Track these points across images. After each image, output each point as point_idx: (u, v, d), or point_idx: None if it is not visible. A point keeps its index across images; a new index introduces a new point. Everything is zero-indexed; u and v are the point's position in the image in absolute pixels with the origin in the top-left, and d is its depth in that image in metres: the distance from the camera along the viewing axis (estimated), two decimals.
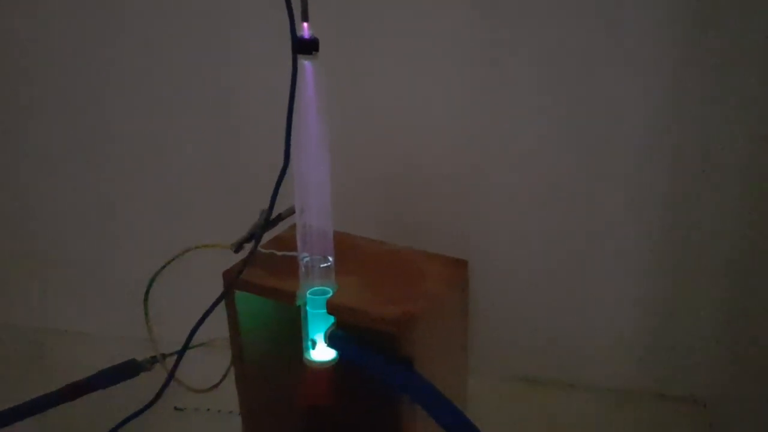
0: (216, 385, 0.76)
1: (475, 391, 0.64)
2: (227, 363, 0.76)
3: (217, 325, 0.68)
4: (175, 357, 0.69)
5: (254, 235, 0.58)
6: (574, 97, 0.69)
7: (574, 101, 0.69)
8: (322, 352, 0.54)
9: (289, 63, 0.48)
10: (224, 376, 0.75)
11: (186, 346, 0.58)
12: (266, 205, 0.59)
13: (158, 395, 0.63)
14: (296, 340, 0.64)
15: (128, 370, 0.76)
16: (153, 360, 0.77)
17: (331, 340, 0.53)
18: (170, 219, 0.83)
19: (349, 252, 0.57)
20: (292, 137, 0.48)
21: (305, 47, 0.48)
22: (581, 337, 0.77)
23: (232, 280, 0.54)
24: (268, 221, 0.54)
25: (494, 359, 0.75)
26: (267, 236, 0.61)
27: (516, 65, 0.69)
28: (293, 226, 0.63)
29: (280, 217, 0.59)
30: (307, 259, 0.53)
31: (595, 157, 0.71)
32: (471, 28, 0.69)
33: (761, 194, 0.67)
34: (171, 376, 0.61)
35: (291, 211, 0.59)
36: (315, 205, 0.52)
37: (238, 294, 0.56)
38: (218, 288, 0.58)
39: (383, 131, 0.73)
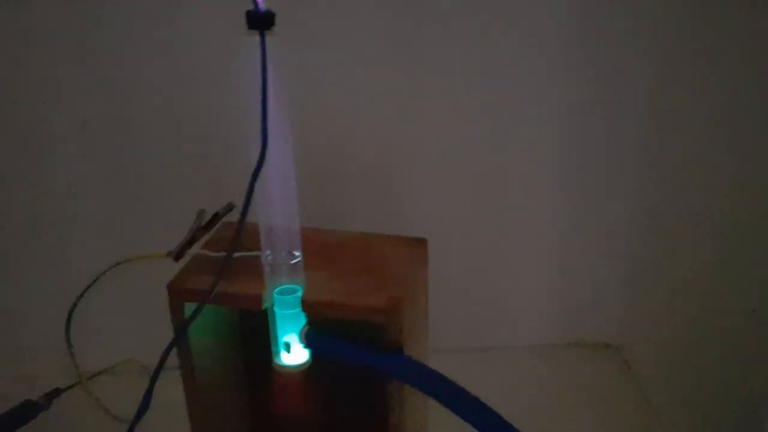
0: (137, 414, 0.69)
1: None
2: (142, 388, 0.69)
3: (125, 345, 0.61)
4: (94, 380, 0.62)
5: (194, 239, 0.52)
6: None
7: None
8: (294, 356, 0.50)
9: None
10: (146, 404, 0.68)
11: (158, 371, 0.50)
12: (192, 209, 0.54)
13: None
14: (241, 347, 0.59)
15: (25, 412, 0.67)
16: (50, 397, 0.68)
17: (310, 340, 0.49)
18: (96, 234, 0.74)
19: (308, 244, 0.53)
20: (264, 125, 0.43)
21: (260, 21, 0.43)
22: (499, 303, 0.79)
23: (210, 293, 0.48)
24: (230, 208, 0.49)
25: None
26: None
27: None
28: (224, 225, 0.58)
29: (218, 216, 0.54)
30: (271, 257, 0.49)
31: (512, 130, 0.72)
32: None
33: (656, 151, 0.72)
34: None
35: (229, 208, 0.54)
36: (280, 199, 0.47)
37: (189, 306, 0.50)
38: (155, 303, 0.52)
39: (322, 117, 0.69)
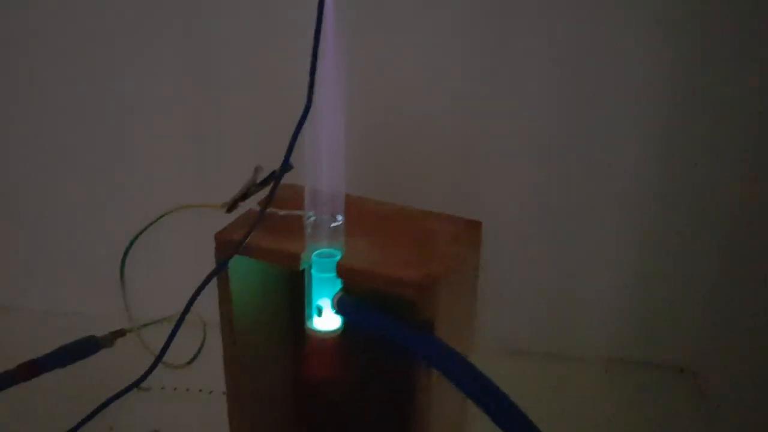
0: (192, 360, 0.70)
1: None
2: (198, 339, 0.70)
3: (185, 297, 0.63)
4: (142, 330, 0.63)
5: (247, 193, 0.53)
6: (582, 51, 0.66)
7: (582, 55, 0.66)
8: (326, 321, 0.50)
9: None
10: (197, 353, 0.70)
11: (182, 319, 0.52)
12: (251, 163, 0.54)
13: (144, 376, 0.57)
14: (293, 309, 0.59)
15: (86, 347, 0.69)
16: (114, 335, 0.71)
17: (340, 307, 0.48)
18: (151, 183, 0.76)
19: (354, 213, 0.53)
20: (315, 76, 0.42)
21: None
22: (569, 306, 0.75)
23: (232, 243, 0.49)
24: (286, 168, 0.48)
25: (492, 332, 0.72)
26: (256, 197, 0.55)
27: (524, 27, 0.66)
28: (284, 186, 0.58)
29: (275, 175, 0.54)
30: (313, 217, 0.48)
31: (592, 119, 0.68)
32: None
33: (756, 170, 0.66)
34: (160, 358, 0.54)
35: (288, 168, 0.54)
36: (326, 161, 0.47)
37: (234, 258, 0.50)
38: (205, 255, 0.52)
39: (390, 91, 0.69)
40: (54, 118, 0.76)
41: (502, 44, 0.67)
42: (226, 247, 0.50)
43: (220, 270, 0.49)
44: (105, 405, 0.59)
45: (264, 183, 0.53)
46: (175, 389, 0.71)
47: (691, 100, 0.66)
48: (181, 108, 0.72)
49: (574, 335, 0.75)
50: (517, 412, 0.42)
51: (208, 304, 0.54)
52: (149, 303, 0.59)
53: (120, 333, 0.70)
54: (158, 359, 0.53)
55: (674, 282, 0.73)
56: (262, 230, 0.51)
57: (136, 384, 0.56)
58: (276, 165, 0.54)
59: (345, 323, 0.50)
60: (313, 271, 0.49)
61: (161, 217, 0.53)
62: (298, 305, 0.53)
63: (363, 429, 0.62)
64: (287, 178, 0.56)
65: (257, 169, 0.53)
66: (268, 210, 0.52)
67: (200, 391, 0.71)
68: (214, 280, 0.52)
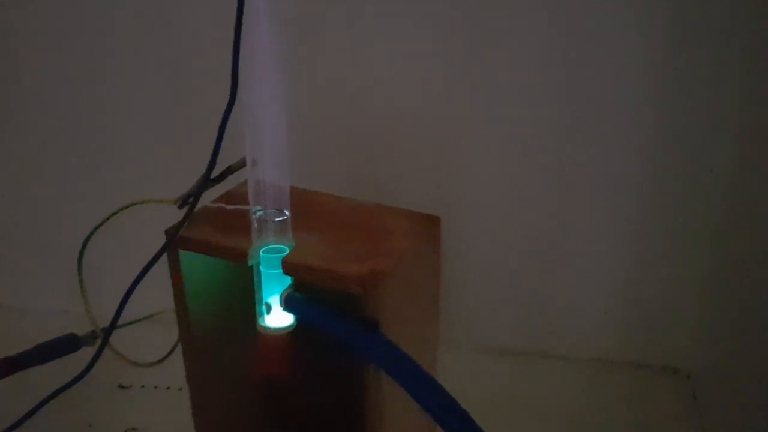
0: (162, 359, 0.70)
1: (446, 362, 0.59)
2: (176, 337, 0.70)
3: (165, 296, 0.62)
4: (118, 330, 0.63)
5: (201, 189, 0.52)
6: (558, 50, 0.64)
7: (558, 54, 0.64)
8: (277, 318, 0.49)
9: None
10: (173, 349, 0.70)
11: (120, 310, 0.52)
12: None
13: (90, 365, 0.57)
14: (248, 305, 0.58)
15: (67, 344, 0.70)
16: (95, 334, 0.71)
17: (288, 304, 0.47)
18: (106, 176, 0.76)
19: (307, 208, 0.52)
20: (240, 69, 0.41)
21: None
22: (558, 304, 0.73)
23: (173, 237, 0.48)
24: (211, 170, 0.48)
25: (465, 328, 0.70)
26: (216, 192, 0.55)
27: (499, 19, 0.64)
28: (243, 183, 0.57)
29: (230, 170, 0.53)
30: (260, 213, 0.47)
31: (579, 115, 0.66)
32: None
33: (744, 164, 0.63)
34: (103, 344, 0.54)
35: (242, 163, 0.53)
36: (269, 153, 0.46)
37: (183, 254, 0.50)
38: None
39: (352, 80, 0.68)
40: (12, 112, 0.76)
41: (476, 34, 0.65)
42: (167, 242, 0.49)
43: (153, 263, 0.49)
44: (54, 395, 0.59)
45: (218, 179, 0.52)
46: (155, 387, 0.71)
47: (677, 93, 0.64)
48: (146, 105, 0.72)
49: (562, 334, 0.73)
50: (459, 410, 0.41)
51: None
52: (114, 297, 0.59)
53: (101, 332, 0.71)
54: (101, 348, 0.52)
55: (667, 281, 0.70)
56: (213, 226, 0.50)
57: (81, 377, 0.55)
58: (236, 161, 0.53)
59: (298, 320, 0.49)
60: (261, 267, 0.48)
61: (115, 213, 0.52)
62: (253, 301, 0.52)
63: (322, 427, 0.61)
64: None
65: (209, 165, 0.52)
66: (217, 205, 0.51)
67: (180, 389, 0.70)
68: (169, 278, 0.52)
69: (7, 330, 0.77)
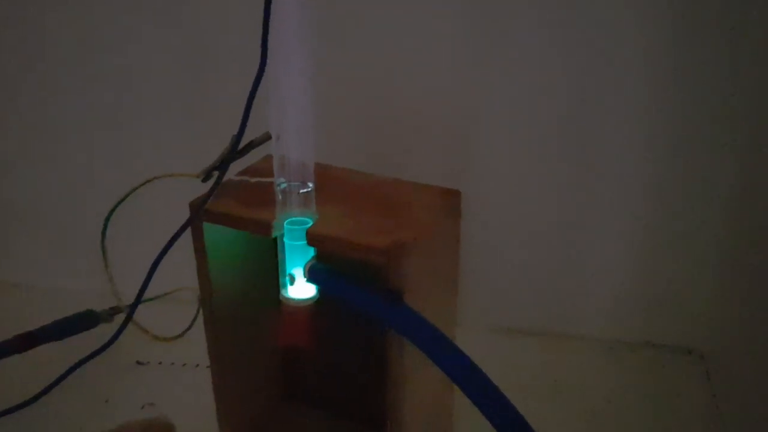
0: (182, 334, 0.71)
1: (462, 343, 0.59)
2: (193, 315, 0.71)
3: (182, 275, 0.63)
4: (140, 307, 0.64)
5: (224, 162, 0.52)
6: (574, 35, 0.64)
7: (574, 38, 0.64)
8: (300, 289, 0.49)
9: None
10: (191, 324, 0.70)
11: (146, 283, 0.52)
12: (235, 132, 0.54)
13: (115, 337, 0.57)
14: (270, 277, 0.59)
15: (85, 320, 0.70)
16: (113, 311, 0.71)
17: (312, 275, 0.48)
18: (128, 151, 0.76)
19: (330, 182, 0.52)
20: (270, 39, 0.42)
21: None
22: (573, 285, 0.73)
23: (199, 210, 0.49)
24: (238, 142, 0.48)
25: (481, 308, 0.70)
26: (239, 165, 0.55)
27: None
28: (267, 157, 0.57)
29: (253, 144, 0.53)
30: (284, 185, 0.48)
31: (598, 92, 0.66)
32: None
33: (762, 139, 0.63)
34: (128, 318, 0.54)
35: (266, 137, 0.54)
36: (294, 127, 0.46)
37: (207, 227, 0.50)
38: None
39: (374, 59, 0.68)
40: (33, 89, 0.76)
41: (497, 17, 0.65)
42: (192, 215, 0.50)
43: (177, 237, 0.49)
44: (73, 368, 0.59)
45: (241, 152, 0.53)
46: (172, 364, 0.72)
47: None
48: (166, 78, 0.72)
49: (576, 314, 0.73)
50: (485, 380, 0.41)
51: None
52: (134, 273, 0.59)
53: (118, 309, 0.71)
54: (126, 322, 0.53)
55: (681, 261, 0.70)
56: (237, 199, 0.50)
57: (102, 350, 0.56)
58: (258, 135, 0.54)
59: (320, 292, 0.49)
60: (285, 239, 0.48)
61: (135, 189, 0.52)
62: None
63: (344, 399, 0.62)
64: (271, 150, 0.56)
65: (233, 139, 0.53)
66: (240, 178, 0.52)
67: (197, 366, 0.71)
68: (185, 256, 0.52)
69: (26, 308, 0.77)
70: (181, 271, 0.58)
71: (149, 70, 0.72)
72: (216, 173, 0.53)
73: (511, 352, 0.72)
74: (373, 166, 0.55)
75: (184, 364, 0.71)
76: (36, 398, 0.65)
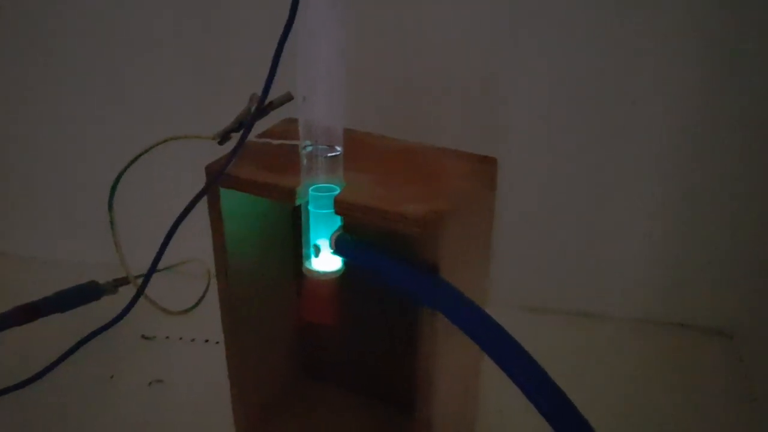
0: (193, 307, 0.68)
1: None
2: (202, 288, 0.67)
3: (191, 246, 0.59)
4: (140, 279, 0.60)
5: (243, 123, 0.49)
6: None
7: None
8: (325, 261, 0.46)
9: None
10: (201, 298, 0.67)
11: (160, 253, 0.49)
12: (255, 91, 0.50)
13: (123, 313, 0.54)
14: (291, 248, 0.56)
15: (87, 292, 0.67)
16: (117, 283, 0.68)
17: (339, 246, 0.44)
18: (138, 112, 0.72)
19: (358, 147, 0.49)
20: None
21: None
22: (603, 263, 0.70)
23: (217, 174, 0.45)
24: (264, 101, 0.45)
25: (510, 286, 0.67)
26: (255, 129, 0.51)
27: None
28: (286, 120, 0.54)
29: (273, 105, 0.50)
30: (310, 148, 0.44)
31: (630, 67, 0.63)
32: None
33: None
34: (142, 290, 0.51)
35: (287, 98, 0.50)
36: (323, 89, 0.42)
37: (224, 192, 0.47)
38: (195, 190, 0.49)
39: (404, 21, 0.64)
40: (44, 54, 0.72)
41: None
42: (211, 180, 0.46)
43: (197, 201, 0.46)
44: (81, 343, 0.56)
45: (261, 113, 0.49)
46: (180, 338, 0.68)
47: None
48: (177, 36, 0.68)
49: (605, 294, 0.70)
50: (532, 363, 0.38)
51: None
52: (144, 243, 0.56)
53: (123, 280, 0.68)
54: (138, 294, 0.49)
55: (712, 241, 0.67)
56: (257, 163, 0.47)
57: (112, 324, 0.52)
58: (278, 95, 0.50)
59: (346, 264, 0.46)
60: (309, 206, 0.45)
61: (147, 150, 0.49)
62: (299, 245, 0.50)
63: (373, 380, 0.59)
64: (291, 112, 0.53)
65: (253, 98, 0.49)
66: (262, 141, 0.48)
67: (206, 341, 0.68)
68: (208, 220, 0.49)
69: (31, 281, 0.74)
70: (189, 242, 0.54)
71: (159, 25, 0.68)
72: (232, 135, 0.49)
73: (539, 330, 0.69)
74: (401, 131, 0.51)
75: (193, 340, 0.68)
76: (40, 375, 0.62)
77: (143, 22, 0.68)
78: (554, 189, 0.68)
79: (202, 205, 0.48)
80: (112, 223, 0.55)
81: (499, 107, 0.65)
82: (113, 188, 0.52)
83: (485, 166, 0.48)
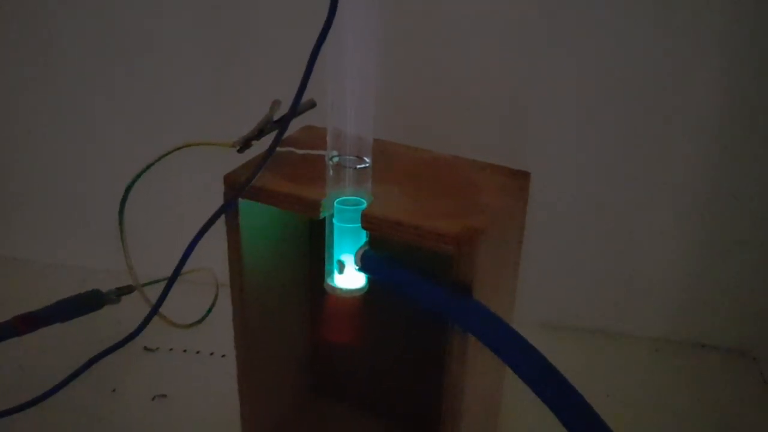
0: (202, 319, 0.65)
1: None
2: (209, 298, 0.65)
3: (201, 252, 0.57)
4: (152, 288, 0.58)
5: (263, 131, 0.46)
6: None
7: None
8: (348, 278, 0.43)
9: None
10: (209, 310, 0.64)
11: (178, 270, 0.46)
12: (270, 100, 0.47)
13: (138, 331, 0.51)
14: (311, 262, 0.53)
15: (90, 302, 0.64)
16: (120, 292, 0.65)
17: (365, 263, 0.42)
18: (154, 118, 0.69)
19: (386, 158, 0.46)
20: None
21: None
22: (624, 282, 0.68)
23: (242, 186, 0.43)
24: (295, 107, 0.42)
25: (533, 303, 0.65)
26: (272, 136, 0.49)
27: None
28: (306, 128, 0.52)
29: (296, 112, 0.47)
30: (337, 158, 0.42)
31: (659, 91, 0.61)
32: None
33: None
34: (158, 305, 0.48)
35: (310, 105, 0.48)
36: (352, 98, 0.40)
37: (243, 204, 0.44)
38: (214, 199, 0.46)
39: (438, 32, 0.61)
40: (59, 55, 0.69)
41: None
42: (237, 189, 0.44)
43: (222, 213, 0.43)
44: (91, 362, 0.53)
45: (282, 120, 0.46)
46: (184, 351, 0.66)
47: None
48: (195, 39, 0.66)
49: (627, 313, 0.69)
50: (568, 389, 0.36)
51: (224, 262, 0.48)
52: (153, 252, 0.53)
53: (127, 289, 0.65)
54: (153, 312, 0.47)
55: (737, 262, 0.66)
56: (279, 173, 0.44)
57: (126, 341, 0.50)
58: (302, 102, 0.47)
59: (370, 281, 0.43)
60: (334, 220, 0.42)
61: (164, 156, 0.46)
62: (318, 260, 0.47)
63: (387, 400, 0.56)
64: (312, 120, 0.50)
65: (274, 104, 0.47)
66: (285, 150, 0.46)
67: (212, 354, 0.65)
68: (224, 230, 0.46)
69: (38, 286, 0.71)
70: (198, 249, 0.52)
71: (178, 27, 0.65)
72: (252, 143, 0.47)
73: (560, 348, 0.67)
74: (431, 142, 0.49)
75: (198, 352, 0.66)
76: (45, 396, 0.58)
77: (161, 24, 0.66)
78: (577, 208, 0.66)
79: (206, 204, 0.46)
80: (121, 229, 0.52)
81: (529, 120, 0.63)
82: (125, 194, 0.50)
83: (518, 181, 0.46)
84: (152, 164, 0.47)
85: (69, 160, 0.73)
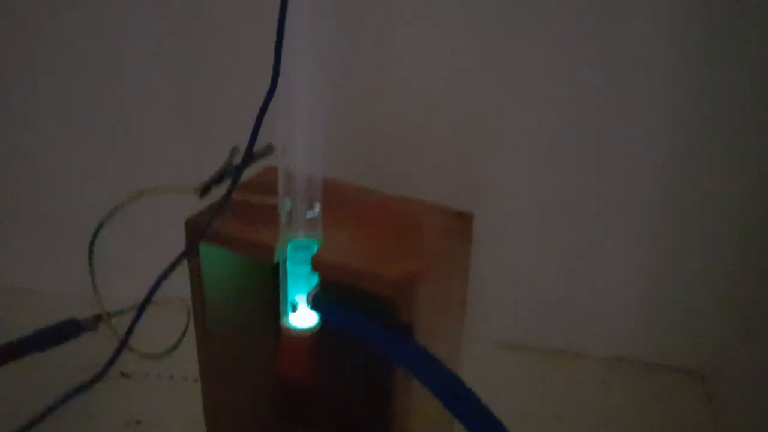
0: (173, 349, 0.67)
1: (466, 357, 0.57)
2: (182, 324, 0.67)
3: (171, 282, 0.60)
4: (122, 317, 0.60)
5: (223, 177, 0.49)
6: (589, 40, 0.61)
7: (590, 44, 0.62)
8: (302, 318, 0.46)
9: None
10: (180, 339, 0.67)
11: (145, 303, 0.49)
12: (234, 144, 0.50)
13: (109, 364, 0.54)
14: (269, 301, 0.56)
15: (67, 331, 0.67)
16: (97, 319, 0.68)
17: (316, 303, 0.45)
18: (122, 161, 0.73)
19: (335, 200, 0.49)
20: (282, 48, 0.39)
21: None
22: (576, 302, 0.71)
23: (200, 230, 0.46)
24: (249, 157, 0.45)
25: (486, 323, 0.68)
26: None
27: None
28: (264, 172, 0.55)
29: (254, 157, 0.50)
30: (289, 206, 0.45)
31: (609, 115, 0.64)
32: None
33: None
34: (124, 342, 0.51)
35: (268, 150, 0.51)
36: (302, 142, 0.43)
37: (204, 247, 0.47)
38: (177, 239, 0.49)
39: (382, 71, 0.65)
40: (26, 91, 0.72)
41: (508, 29, 0.63)
42: (197, 234, 0.47)
43: (182, 259, 0.46)
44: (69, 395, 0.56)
45: (242, 166, 0.49)
46: (159, 376, 0.69)
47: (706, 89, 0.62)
48: (162, 87, 0.69)
49: (579, 332, 0.72)
50: (497, 424, 0.39)
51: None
52: (122, 288, 0.56)
53: (99, 319, 0.67)
54: (121, 346, 0.50)
55: (685, 282, 0.69)
56: (237, 218, 0.47)
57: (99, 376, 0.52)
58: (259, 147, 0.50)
59: (323, 322, 0.46)
60: (288, 264, 0.45)
61: (128, 200, 0.49)
62: (278, 299, 0.50)
63: (347, 425, 0.59)
64: (273, 161, 0.53)
65: (233, 151, 0.50)
66: (241, 196, 0.49)
67: (185, 379, 0.68)
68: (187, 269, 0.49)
69: (18, 314, 0.73)
70: (169, 278, 0.55)
71: (147, 77, 0.69)
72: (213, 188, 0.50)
73: (513, 367, 0.70)
74: (378, 180, 0.52)
75: (172, 377, 0.68)
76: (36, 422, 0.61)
77: (132, 68, 0.69)
78: (531, 230, 0.69)
79: (171, 244, 0.49)
80: (91, 265, 0.55)
81: (477, 159, 0.66)
82: (93, 239, 0.53)
83: (462, 222, 0.49)
84: (117, 209, 0.50)
85: (43, 199, 0.76)
